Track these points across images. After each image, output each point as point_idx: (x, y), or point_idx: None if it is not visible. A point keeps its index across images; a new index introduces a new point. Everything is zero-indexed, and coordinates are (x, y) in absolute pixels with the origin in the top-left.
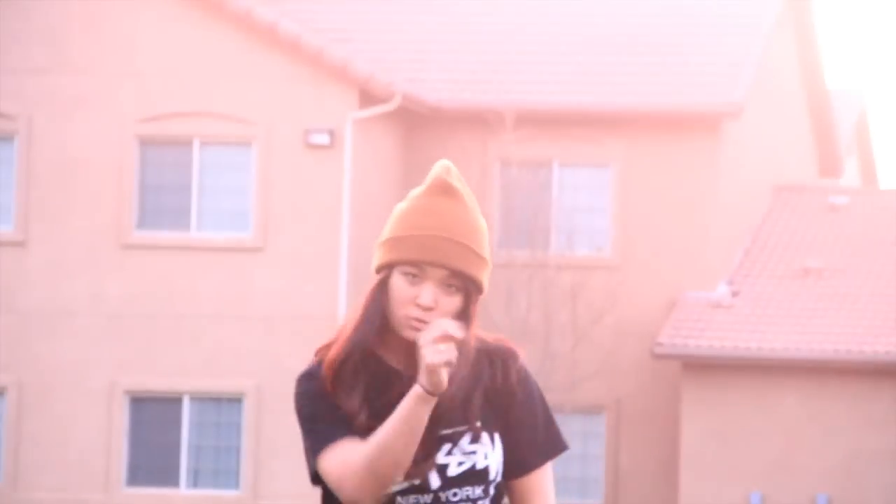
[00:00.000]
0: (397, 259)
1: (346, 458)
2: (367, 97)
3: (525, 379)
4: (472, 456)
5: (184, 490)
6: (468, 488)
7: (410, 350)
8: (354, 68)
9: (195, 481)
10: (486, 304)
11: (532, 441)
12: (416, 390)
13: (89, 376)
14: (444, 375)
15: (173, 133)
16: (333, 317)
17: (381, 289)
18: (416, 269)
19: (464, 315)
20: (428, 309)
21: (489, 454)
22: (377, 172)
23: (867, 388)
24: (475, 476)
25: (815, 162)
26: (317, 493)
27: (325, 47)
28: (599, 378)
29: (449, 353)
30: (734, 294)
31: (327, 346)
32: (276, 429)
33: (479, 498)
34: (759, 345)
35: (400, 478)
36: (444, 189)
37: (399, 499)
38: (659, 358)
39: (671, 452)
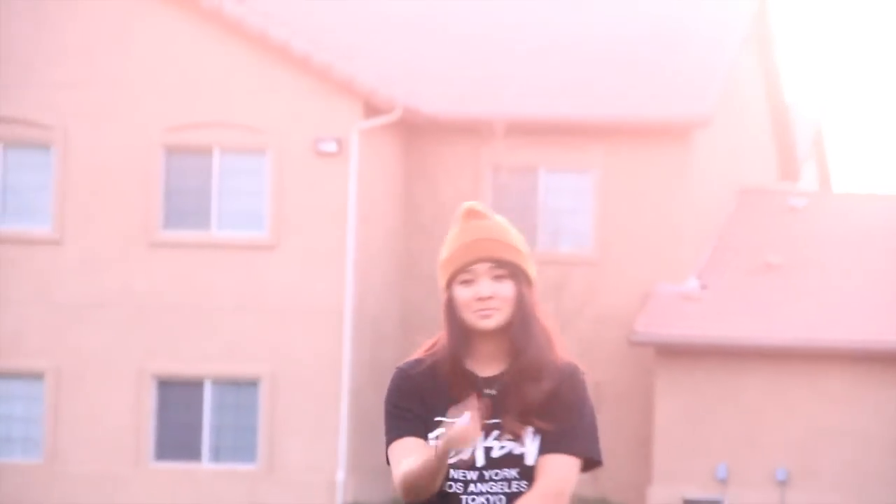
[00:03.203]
0: (451, 273)
1: (398, 459)
2: (371, 109)
3: (574, 390)
4: (511, 443)
5: (206, 464)
6: (506, 470)
7: (488, 353)
8: (359, 83)
9: (216, 456)
10: None
11: (559, 435)
12: (441, 450)
13: (120, 362)
14: (462, 452)
15: (195, 142)
16: (340, 309)
17: (451, 303)
18: (468, 273)
19: (521, 302)
20: (487, 298)
21: (527, 444)
22: (380, 177)
23: (823, 371)
24: (512, 460)
25: (775, 167)
26: (323, 467)
27: (333, 64)
28: (581, 363)
29: (462, 442)
30: (703, 287)
31: (426, 351)
32: (288, 409)
33: (515, 479)
34: (725, 333)
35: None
36: (472, 213)
37: (452, 472)
38: (635, 345)
39: (646, 429)
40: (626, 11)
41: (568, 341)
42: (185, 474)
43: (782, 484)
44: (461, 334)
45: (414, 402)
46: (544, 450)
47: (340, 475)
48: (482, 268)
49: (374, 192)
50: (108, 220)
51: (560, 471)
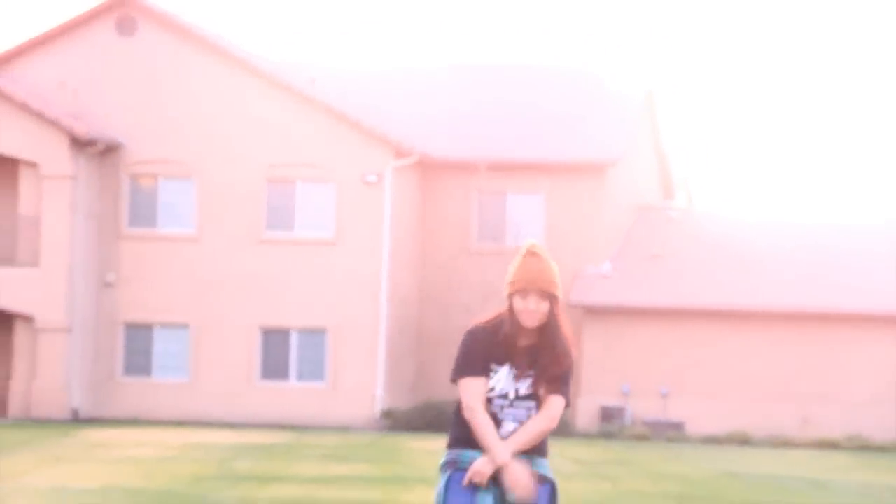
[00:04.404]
0: (516, 290)
1: (469, 392)
2: (399, 153)
3: (564, 356)
4: (528, 387)
5: (293, 383)
6: (526, 401)
7: (526, 334)
8: (391, 136)
9: (299, 377)
10: (469, 274)
11: (556, 385)
12: (493, 456)
13: (237, 318)
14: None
15: (286, 175)
16: (379, 284)
17: (511, 305)
18: (524, 292)
19: (552, 315)
20: (534, 311)
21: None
22: (405, 199)
23: (688, 323)
24: (529, 396)
25: (660, 190)
26: (368, 386)
27: (376, 125)
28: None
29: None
30: (614, 269)
31: (488, 321)
32: (345, 349)
33: (530, 407)
34: (628, 299)
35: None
36: (531, 253)
37: (496, 399)
38: (570, 307)
39: (577, 363)
40: (564, 88)
41: None
42: (279, 390)
43: (664, 396)
44: (516, 323)
45: (481, 349)
46: (548, 391)
47: (379, 391)
48: (533, 292)
49: (401, 208)
50: (230, 226)
51: (556, 404)
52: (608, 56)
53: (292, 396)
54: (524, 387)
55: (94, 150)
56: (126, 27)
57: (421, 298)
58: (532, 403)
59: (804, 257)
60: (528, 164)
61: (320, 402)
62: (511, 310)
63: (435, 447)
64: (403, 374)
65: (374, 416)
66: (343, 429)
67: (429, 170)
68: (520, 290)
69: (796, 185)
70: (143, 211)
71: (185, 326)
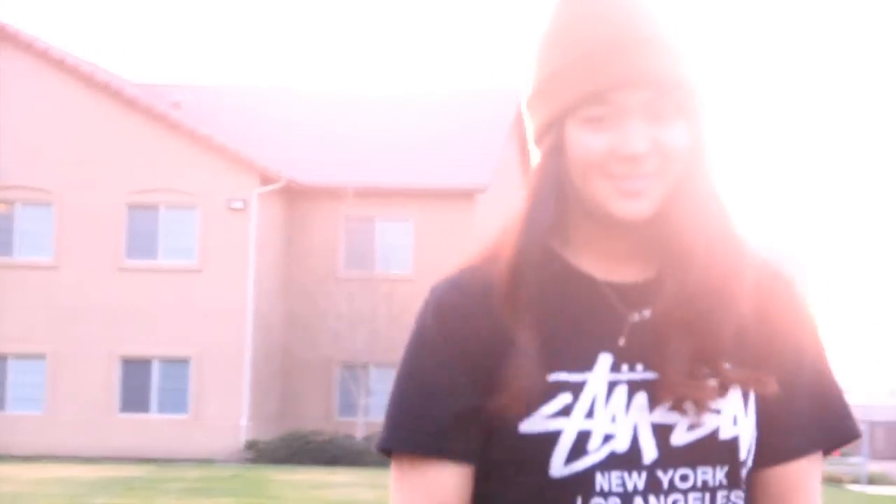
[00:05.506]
0: (567, 101)
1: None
2: (265, 179)
3: (796, 309)
4: (713, 417)
5: (154, 415)
6: (705, 468)
7: (609, 244)
8: (257, 162)
9: (161, 409)
10: (336, 301)
11: (796, 412)
12: None
13: (96, 347)
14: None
15: (148, 201)
16: (244, 311)
17: (554, 158)
18: (602, 104)
19: (696, 150)
20: (638, 158)
21: (740, 418)
22: (271, 224)
23: None
24: (716, 450)
25: None
26: (232, 416)
27: (240, 150)
28: (401, 340)
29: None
30: None
31: (475, 265)
32: (209, 378)
33: (722, 487)
34: None
35: None
36: None
37: (599, 476)
38: None
39: None
40: (431, 113)
41: (393, 330)
42: (139, 422)
43: None
44: (553, 209)
45: (466, 362)
46: (770, 445)
47: (244, 421)
48: (634, 97)
49: (267, 234)
50: (90, 253)
51: (816, 493)
52: (478, 80)
53: (153, 428)
54: (683, 419)
55: None
56: None
57: (287, 326)
58: (722, 473)
59: None
60: (396, 191)
61: (183, 433)
62: (550, 171)
63: (300, 479)
64: (269, 405)
65: (238, 447)
66: (206, 461)
67: (296, 196)
68: (588, 99)
69: None
70: None
71: (41, 357)
